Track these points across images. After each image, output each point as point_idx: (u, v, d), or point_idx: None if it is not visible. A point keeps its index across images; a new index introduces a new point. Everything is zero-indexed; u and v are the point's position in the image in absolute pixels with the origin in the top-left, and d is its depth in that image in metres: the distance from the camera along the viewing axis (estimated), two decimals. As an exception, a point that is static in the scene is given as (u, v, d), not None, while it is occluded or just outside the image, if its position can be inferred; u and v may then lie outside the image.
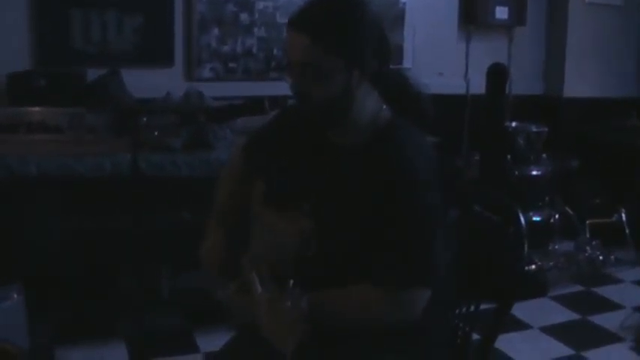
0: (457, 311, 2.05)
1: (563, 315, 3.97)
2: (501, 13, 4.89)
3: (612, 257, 4.62)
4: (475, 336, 2.01)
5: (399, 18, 4.65)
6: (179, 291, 3.61)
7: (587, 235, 4.67)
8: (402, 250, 1.64)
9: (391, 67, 1.81)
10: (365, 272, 1.65)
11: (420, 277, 1.66)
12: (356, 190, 1.69)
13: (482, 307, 2.00)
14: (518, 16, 4.98)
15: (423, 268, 1.66)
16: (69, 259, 3.28)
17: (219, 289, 1.83)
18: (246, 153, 2.01)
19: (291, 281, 1.58)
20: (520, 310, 3.79)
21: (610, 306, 4.09)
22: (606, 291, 4.31)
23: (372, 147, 1.71)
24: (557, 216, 4.54)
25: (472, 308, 2.02)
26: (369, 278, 1.65)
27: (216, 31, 4.17)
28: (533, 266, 4.20)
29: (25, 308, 3.08)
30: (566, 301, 4.14)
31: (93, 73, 3.74)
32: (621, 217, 4.80)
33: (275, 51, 4.31)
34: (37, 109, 3.37)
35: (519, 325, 3.76)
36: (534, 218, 4.36)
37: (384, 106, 1.78)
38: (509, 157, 4.35)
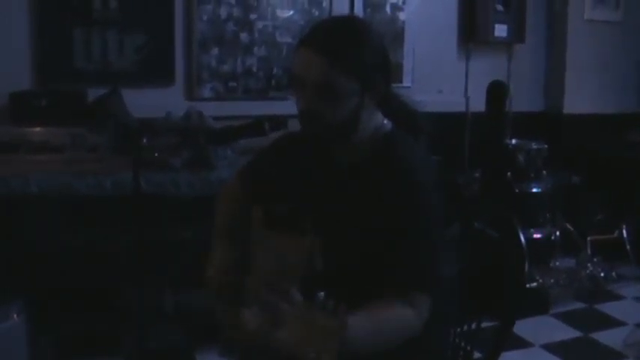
0: (458, 329, 2.06)
1: (564, 332, 3.96)
2: (501, 30, 4.92)
3: (614, 274, 4.61)
4: (476, 354, 2.01)
5: (399, 36, 4.69)
6: (181, 309, 3.61)
7: (589, 252, 4.67)
8: (411, 260, 1.66)
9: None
10: (373, 285, 1.66)
11: (428, 284, 1.67)
12: (359, 204, 1.71)
13: (484, 325, 2.01)
14: (517, 34, 5.02)
15: (426, 276, 1.67)
16: (71, 277, 3.29)
17: (226, 315, 1.83)
18: (242, 181, 2.03)
19: (322, 293, 1.44)
20: (521, 327, 3.77)
21: (612, 323, 4.08)
22: (608, 308, 4.30)
23: (373, 161, 1.74)
24: (558, 233, 4.55)
25: (473, 326, 2.03)
26: (377, 291, 1.65)
27: (216, 50, 4.20)
28: (535, 283, 4.20)
29: (25, 328, 3.07)
30: (568, 318, 4.14)
31: (94, 92, 3.76)
32: (622, 233, 4.81)
33: (275, 70, 4.34)
34: (38, 129, 3.39)
35: (521, 343, 3.75)
36: (535, 235, 4.36)
37: (385, 121, 1.81)
38: (509, 174, 4.36)
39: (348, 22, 1.81)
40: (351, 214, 1.73)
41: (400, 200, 1.67)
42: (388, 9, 4.66)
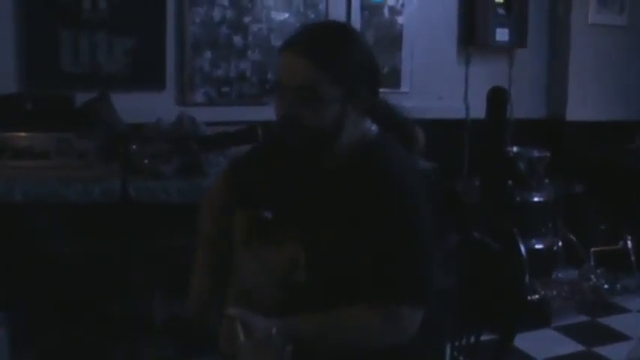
0: (457, 343, 2.07)
1: (567, 346, 3.97)
2: (502, 34, 4.94)
3: (618, 286, 4.62)
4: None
5: (397, 40, 4.71)
6: (171, 319, 3.62)
7: (592, 263, 4.68)
8: (394, 268, 1.67)
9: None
10: (358, 294, 1.68)
11: (414, 293, 1.69)
12: (344, 211, 1.73)
13: (483, 338, 2.02)
14: (519, 38, 5.03)
15: (416, 285, 1.69)
16: (58, 287, 3.29)
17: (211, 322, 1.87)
18: (228, 181, 2.05)
19: (274, 329, 1.61)
20: (522, 341, 3.79)
21: (616, 337, 4.09)
22: (612, 321, 4.31)
23: (358, 167, 1.76)
24: (560, 243, 4.56)
25: (472, 339, 2.04)
26: (362, 299, 1.67)
27: (209, 54, 4.21)
28: (536, 295, 4.22)
29: (9, 341, 3.07)
30: (571, 331, 4.15)
31: (82, 97, 3.76)
32: (627, 243, 4.82)
33: (269, 75, 4.34)
34: (23, 134, 3.38)
35: (522, 357, 3.76)
36: (536, 246, 4.38)
37: (372, 127, 1.83)
38: (510, 182, 4.38)
39: (335, 27, 1.83)
40: (334, 222, 1.74)
41: (383, 210, 1.68)
42: (386, 12, 4.68)
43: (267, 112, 3.71)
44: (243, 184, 1.98)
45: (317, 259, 1.73)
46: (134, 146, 3.17)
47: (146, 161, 3.28)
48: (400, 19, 4.73)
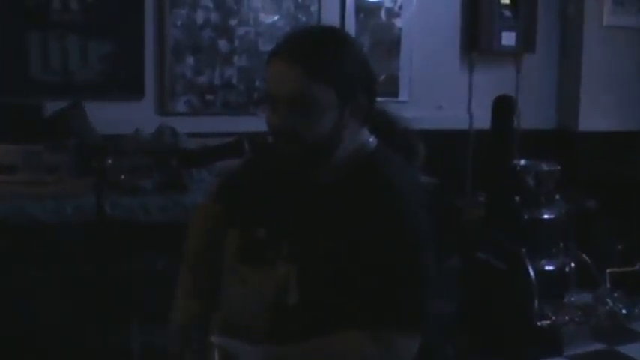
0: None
1: (581, 377, 3.99)
2: (508, 39, 4.97)
3: (636, 310, 4.63)
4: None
5: (395, 45, 4.75)
6: (150, 348, 3.61)
7: (608, 286, 4.69)
8: (391, 292, 1.68)
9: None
10: (351, 317, 1.69)
11: (410, 320, 1.71)
12: (337, 230, 1.75)
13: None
14: (526, 43, 5.07)
15: (413, 311, 1.71)
16: (26, 315, 3.28)
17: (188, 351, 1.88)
18: (220, 199, 2.07)
19: None
20: (532, 371, 3.82)
21: (634, 366, 4.11)
22: (630, 349, 4.31)
23: (354, 182, 1.78)
24: (572, 264, 4.57)
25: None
26: (355, 323, 1.69)
27: (191, 59, 4.23)
28: (547, 321, 4.22)
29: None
30: (585, 360, 4.17)
31: (53, 106, 3.77)
32: (645, 264, 4.85)
33: (257, 82, 4.37)
34: (-13, 146, 3.40)
35: (532, 388, 3.78)
36: (546, 267, 4.38)
37: (371, 139, 1.85)
38: (517, 198, 4.40)
39: (324, 31, 1.86)
40: (328, 240, 1.76)
41: (382, 229, 1.69)
42: (383, 15, 4.72)
43: (254, 123, 3.76)
44: (236, 202, 2.00)
45: (310, 280, 1.75)
46: (110, 160, 3.19)
47: (123, 176, 3.30)
48: (398, 22, 4.77)
